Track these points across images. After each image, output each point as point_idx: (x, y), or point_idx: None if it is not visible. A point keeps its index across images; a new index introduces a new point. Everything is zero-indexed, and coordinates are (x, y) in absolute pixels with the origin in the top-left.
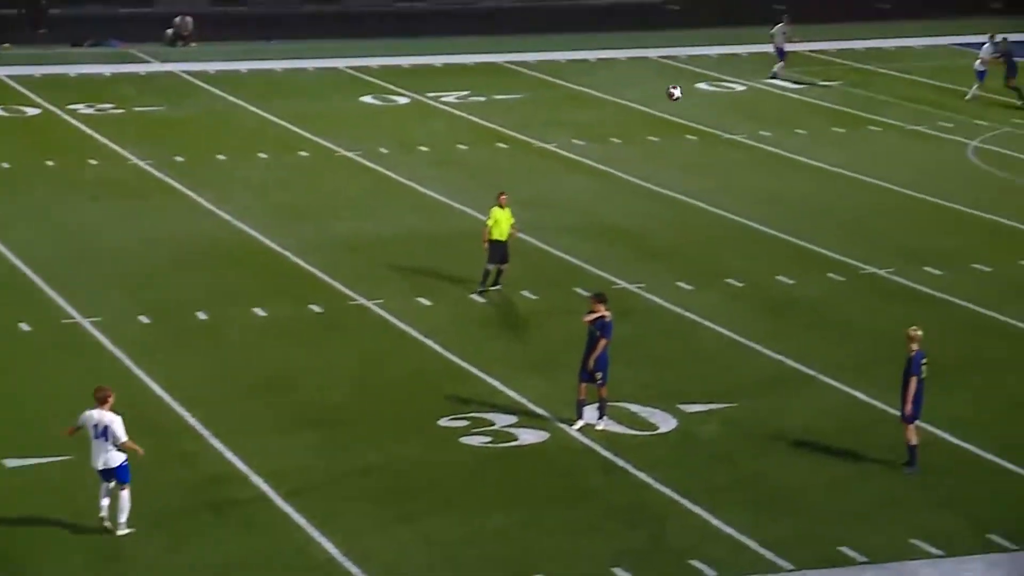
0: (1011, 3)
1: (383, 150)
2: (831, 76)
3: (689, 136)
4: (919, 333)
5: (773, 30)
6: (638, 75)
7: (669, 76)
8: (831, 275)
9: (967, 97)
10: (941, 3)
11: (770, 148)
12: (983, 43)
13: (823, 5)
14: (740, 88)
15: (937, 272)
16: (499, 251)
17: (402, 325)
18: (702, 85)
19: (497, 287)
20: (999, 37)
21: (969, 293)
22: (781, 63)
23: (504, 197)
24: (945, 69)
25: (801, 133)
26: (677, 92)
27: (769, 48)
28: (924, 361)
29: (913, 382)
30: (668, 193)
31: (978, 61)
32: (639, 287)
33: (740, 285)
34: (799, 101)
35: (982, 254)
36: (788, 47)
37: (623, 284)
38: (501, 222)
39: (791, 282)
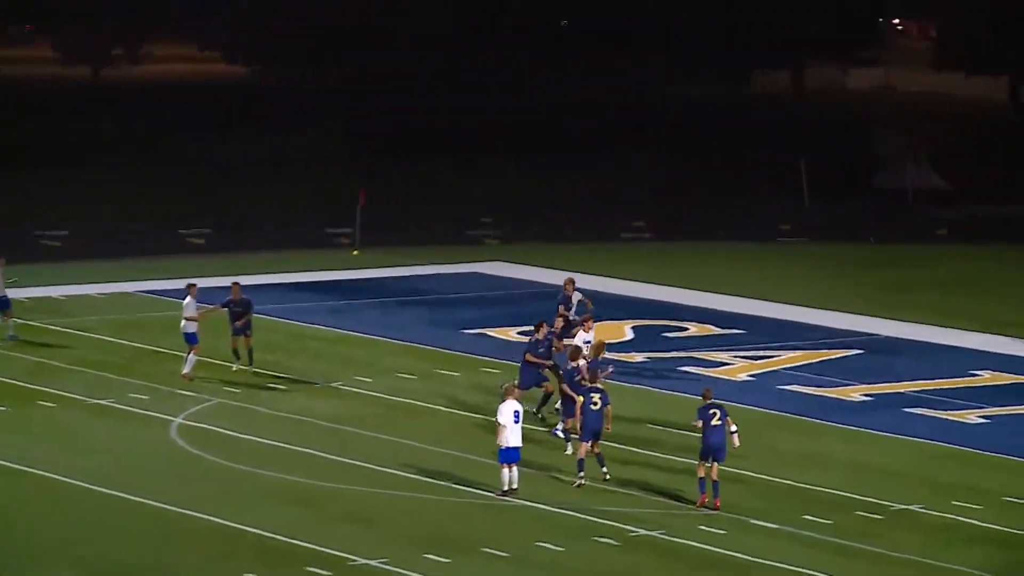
0: (214, 239)
1: None
2: None
3: None
4: None
5: None
6: None
7: None
8: None
9: (184, 371)
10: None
11: None
12: (183, 293)
13: None
14: None
15: None
16: None
17: None
18: None
19: None
20: (230, 282)
21: None
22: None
23: None
24: (134, 325)
25: None
26: None
27: None
28: None
29: None
30: None
31: (184, 320)
32: None
33: None
34: None
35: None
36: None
37: None
38: None
39: None
